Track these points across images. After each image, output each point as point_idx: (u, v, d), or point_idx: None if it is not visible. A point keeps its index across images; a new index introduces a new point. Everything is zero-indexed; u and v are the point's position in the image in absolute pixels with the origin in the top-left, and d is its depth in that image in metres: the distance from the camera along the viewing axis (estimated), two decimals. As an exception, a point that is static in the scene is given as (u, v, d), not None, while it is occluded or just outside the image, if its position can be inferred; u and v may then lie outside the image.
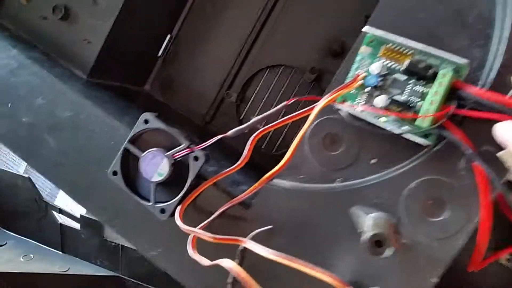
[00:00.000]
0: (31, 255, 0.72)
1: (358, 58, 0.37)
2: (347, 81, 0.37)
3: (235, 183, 0.44)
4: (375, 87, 0.37)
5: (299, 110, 0.37)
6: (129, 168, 0.41)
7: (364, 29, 0.37)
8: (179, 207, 0.39)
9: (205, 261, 0.35)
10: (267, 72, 0.58)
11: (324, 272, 0.30)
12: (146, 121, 0.40)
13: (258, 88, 0.59)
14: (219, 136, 0.39)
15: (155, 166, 0.39)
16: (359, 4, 0.55)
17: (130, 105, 0.52)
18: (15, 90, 0.45)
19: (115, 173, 0.40)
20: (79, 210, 0.74)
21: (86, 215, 0.71)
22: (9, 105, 0.46)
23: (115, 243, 0.70)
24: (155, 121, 0.40)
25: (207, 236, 0.36)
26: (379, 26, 0.36)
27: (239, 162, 0.39)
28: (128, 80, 0.58)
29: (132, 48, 0.56)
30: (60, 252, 0.74)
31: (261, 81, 0.59)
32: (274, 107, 0.57)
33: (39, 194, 0.72)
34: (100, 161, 0.42)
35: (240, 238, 0.35)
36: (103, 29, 0.49)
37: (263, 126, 0.39)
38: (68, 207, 0.74)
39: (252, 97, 0.59)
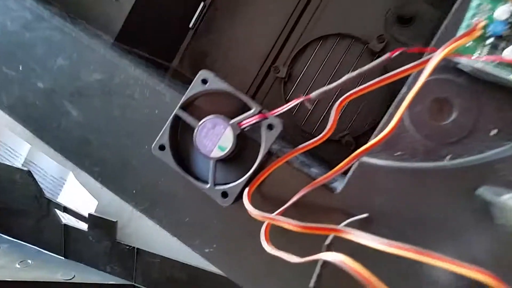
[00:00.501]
0: (29, 261, 0.62)
1: (474, 3, 0.30)
2: (460, 32, 0.30)
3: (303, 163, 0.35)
4: (500, 37, 0.29)
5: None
6: (179, 142, 0.33)
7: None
8: (246, 189, 0.30)
9: (293, 258, 0.27)
10: (319, 43, 0.50)
11: (477, 269, 0.22)
12: (204, 81, 0.31)
13: (308, 63, 0.50)
14: (298, 100, 0.31)
15: (216, 138, 0.31)
16: None
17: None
18: (28, 48, 0.36)
19: (162, 147, 0.31)
20: (87, 208, 0.64)
21: (96, 214, 0.61)
22: (20, 67, 0.36)
23: (130, 246, 0.61)
24: (216, 80, 0.31)
25: (292, 224, 0.27)
26: None
27: (325, 131, 0.30)
28: (157, 52, 0.49)
29: (162, 14, 0.47)
30: (63, 258, 0.64)
31: (312, 55, 0.50)
32: (330, 83, 0.49)
33: (40, 190, 0.63)
34: (139, 135, 0.34)
35: (338, 227, 0.27)
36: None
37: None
38: (74, 205, 0.64)
39: (302, 73, 0.50)
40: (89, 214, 0.61)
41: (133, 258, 0.60)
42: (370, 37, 0.48)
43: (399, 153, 0.32)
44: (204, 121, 0.31)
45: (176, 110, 0.31)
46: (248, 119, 0.30)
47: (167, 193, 0.33)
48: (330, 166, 0.32)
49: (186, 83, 0.52)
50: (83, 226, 0.62)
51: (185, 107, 0.32)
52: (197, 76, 0.31)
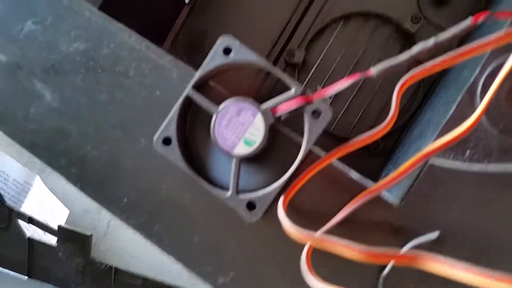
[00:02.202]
0: (-16, 282, 0.52)
1: None
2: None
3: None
4: None
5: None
6: (189, 134, 0.25)
7: None
8: (281, 198, 0.23)
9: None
10: (340, 24, 0.42)
11: None
12: (227, 51, 0.23)
13: (327, 48, 0.43)
14: (354, 78, 0.23)
15: (241, 129, 0.23)
16: None
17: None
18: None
19: (167, 141, 0.23)
20: (56, 219, 0.55)
21: (67, 226, 0.52)
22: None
23: (107, 264, 0.52)
24: (244, 50, 0.23)
25: (355, 250, 0.19)
26: None
27: (387, 120, 0.23)
28: (145, 32, 0.41)
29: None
30: (26, 277, 0.54)
31: (332, 38, 0.43)
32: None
33: (0, 197, 0.53)
34: (134, 126, 0.26)
35: (418, 253, 0.19)
36: None
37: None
38: (41, 215, 0.54)
39: (319, 59, 0.43)
40: (59, 226, 0.52)
41: (111, 279, 0.52)
42: (402, 18, 0.41)
43: (469, 152, 0.25)
44: (226, 106, 0.23)
45: (187, 91, 0.23)
46: (285, 104, 0.23)
47: (170, 204, 0.25)
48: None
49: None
50: (52, 240, 0.53)
51: (198, 87, 0.24)
52: (217, 43, 0.23)
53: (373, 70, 0.23)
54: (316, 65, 0.43)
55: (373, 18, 0.42)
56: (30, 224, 0.53)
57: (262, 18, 0.44)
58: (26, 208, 0.58)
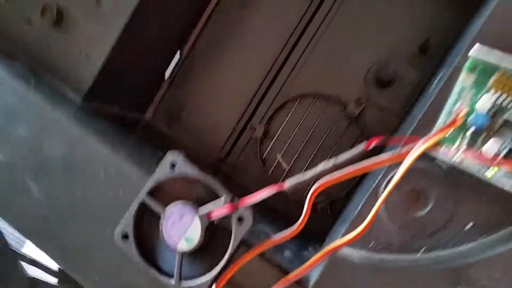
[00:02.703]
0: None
1: (457, 88, 0.29)
2: (441, 119, 0.29)
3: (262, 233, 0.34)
4: (482, 129, 0.28)
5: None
6: (143, 230, 0.31)
7: (471, 53, 0.28)
8: (214, 286, 0.29)
9: None
10: (297, 102, 0.49)
11: None
12: (172, 165, 0.29)
13: (285, 122, 0.49)
14: (271, 190, 0.29)
15: (183, 228, 0.29)
16: (412, 27, 0.47)
17: (133, 138, 0.41)
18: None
19: (125, 236, 0.29)
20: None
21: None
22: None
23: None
24: (186, 165, 0.29)
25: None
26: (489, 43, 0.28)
27: (297, 224, 0.29)
28: (128, 106, 0.47)
29: (136, 66, 0.45)
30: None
31: (290, 114, 0.49)
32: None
33: (4, 240, 0.59)
34: (103, 218, 0.32)
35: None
36: (107, 40, 0.38)
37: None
38: (43, 256, 0.60)
39: (278, 132, 0.49)
40: (59, 268, 0.57)
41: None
42: (349, 99, 0.47)
43: (373, 244, 0.30)
44: (171, 210, 0.29)
45: (142, 195, 0.29)
46: (217, 211, 0.29)
47: (130, 285, 0.31)
48: (305, 235, 0.31)
49: (160, 139, 0.50)
50: (53, 281, 0.59)
51: (152, 191, 0.30)
52: (164, 159, 0.29)
53: (286, 185, 0.29)
54: (276, 137, 0.49)
55: (324, 98, 0.47)
56: (32, 266, 0.59)
57: (230, 94, 0.50)
58: (29, 248, 0.64)
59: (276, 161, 0.48)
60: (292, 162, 0.48)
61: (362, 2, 0.48)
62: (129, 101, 0.47)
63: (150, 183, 0.29)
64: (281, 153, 0.48)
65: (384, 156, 0.29)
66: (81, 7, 0.38)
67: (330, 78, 0.48)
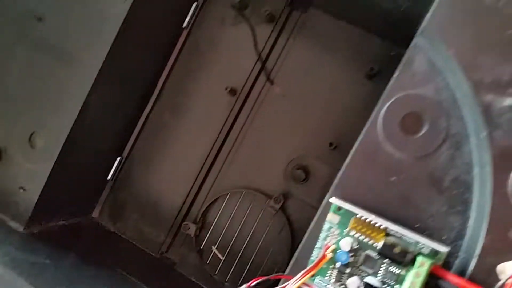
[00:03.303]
0: None
1: (326, 226, 0.34)
2: (315, 252, 0.34)
3: None
4: (346, 264, 0.33)
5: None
6: None
7: (330, 200, 0.33)
8: None
9: None
10: (227, 197, 0.54)
11: None
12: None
13: (218, 215, 0.54)
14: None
15: None
16: (323, 130, 0.52)
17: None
18: None
19: None
20: None
21: None
22: None
23: None
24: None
25: None
26: (347, 191, 0.33)
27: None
28: (73, 214, 0.52)
29: (77, 179, 0.50)
30: None
31: (222, 207, 0.54)
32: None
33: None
34: None
35: None
36: (41, 175, 0.43)
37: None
38: None
39: (213, 224, 0.54)
40: None
41: None
42: (273, 192, 0.52)
43: None
44: None
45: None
46: None
47: None
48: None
49: (106, 237, 0.55)
50: None
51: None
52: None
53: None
54: (210, 230, 0.54)
55: (251, 192, 0.53)
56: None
57: (166, 194, 0.55)
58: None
59: (212, 252, 0.53)
60: (226, 252, 0.53)
61: (276, 106, 0.53)
62: (74, 209, 0.52)
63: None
64: (216, 245, 0.53)
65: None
66: (17, 147, 0.43)
67: (255, 174, 0.53)
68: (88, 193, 0.55)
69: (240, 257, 0.53)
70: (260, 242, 0.52)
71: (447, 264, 0.33)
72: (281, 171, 0.52)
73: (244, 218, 0.53)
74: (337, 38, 0.52)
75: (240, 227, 0.53)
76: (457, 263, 0.33)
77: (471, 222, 0.33)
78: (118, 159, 0.56)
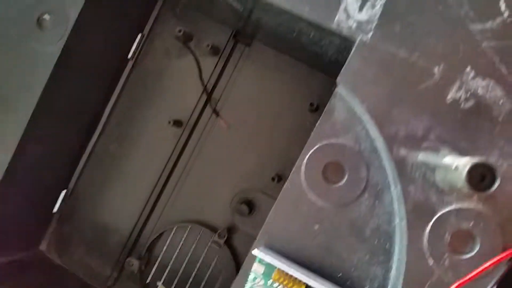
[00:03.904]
0: None
1: (251, 276, 0.34)
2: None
3: None
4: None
5: None
6: None
7: (253, 252, 0.33)
8: None
9: None
10: (173, 231, 0.53)
11: None
12: None
13: (164, 249, 0.54)
14: None
15: None
16: (266, 163, 0.52)
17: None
18: None
19: None
20: None
21: None
22: None
23: None
24: None
25: None
26: (272, 240, 0.34)
27: None
28: (20, 248, 0.52)
29: (20, 212, 0.50)
30: None
31: (168, 241, 0.54)
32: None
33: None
34: None
35: None
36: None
37: None
38: None
39: (159, 259, 0.54)
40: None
41: None
42: (219, 226, 0.52)
43: None
44: None
45: None
46: None
47: None
48: None
49: (53, 270, 0.54)
50: None
51: None
52: None
53: None
54: (156, 265, 0.54)
55: (196, 227, 0.52)
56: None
57: (112, 228, 0.55)
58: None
59: (158, 288, 0.52)
60: (172, 287, 0.53)
61: (221, 138, 0.53)
62: (21, 243, 0.52)
63: None
64: (162, 280, 0.53)
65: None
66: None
67: (202, 207, 0.53)
68: (34, 227, 0.55)
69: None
70: (206, 277, 0.52)
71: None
72: (227, 204, 0.52)
73: (190, 253, 0.53)
74: (281, 71, 0.51)
75: (186, 262, 0.53)
76: (380, 314, 0.33)
77: (392, 273, 0.33)
78: (64, 191, 0.55)
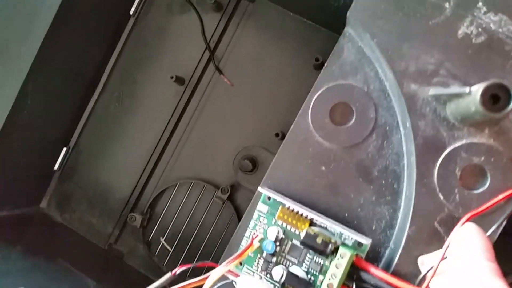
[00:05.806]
0: None
1: (255, 215, 0.34)
2: (243, 241, 0.34)
3: None
4: (273, 253, 0.33)
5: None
6: None
7: (259, 189, 0.33)
8: None
9: None
10: (176, 188, 0.53)
11: None
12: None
13: (167, 206, 0.53)
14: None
15: None
16: (270, 120, 0.52)
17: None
18: None
19: None
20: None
21: None
22: None
23: None
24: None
25: None
26: (278, 180, 0.34)
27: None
28: (20, 204, 0.51)
29: (21, 168, 0.49)
30: None
31: (170, 198, 0.53)
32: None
33: None
34: None
35: None
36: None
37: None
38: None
39: (161, 215, 0.53)
40: None
41: None
42: (222, 183, 0.52)
43: None
44: None
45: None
46: None
47: None
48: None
49: (54, 228, 0.54)
50: None
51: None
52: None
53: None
54: (159, 221, 0.53)
55: (199, 183, 0.52)
56: None
57: (114, 184, 0.54)
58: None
59: (160, 244, 0.52)
60: (175, 244, 0.52)
61: (224, 96, 0.53)
62: (19, 199, 0.51)
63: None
64: (164, 236, 0.53)
65: (191, 280, 0.33)
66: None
67: (204, 164, 0.53)
68: (35, 184, 0.54)
69: (188, 248, 0.52)
70: (209, 233, 0.52)
71: (377, 255, 0.33)
72: (230, 162, 0.52)
73: (193, 209, 0.52)
74: (284, 28, 0.51)
75: (188, 218, 0.53)
76: (386, 253, 0.33)
77: (400, 213, 0.33)
78: (65, 149, 0.55)
